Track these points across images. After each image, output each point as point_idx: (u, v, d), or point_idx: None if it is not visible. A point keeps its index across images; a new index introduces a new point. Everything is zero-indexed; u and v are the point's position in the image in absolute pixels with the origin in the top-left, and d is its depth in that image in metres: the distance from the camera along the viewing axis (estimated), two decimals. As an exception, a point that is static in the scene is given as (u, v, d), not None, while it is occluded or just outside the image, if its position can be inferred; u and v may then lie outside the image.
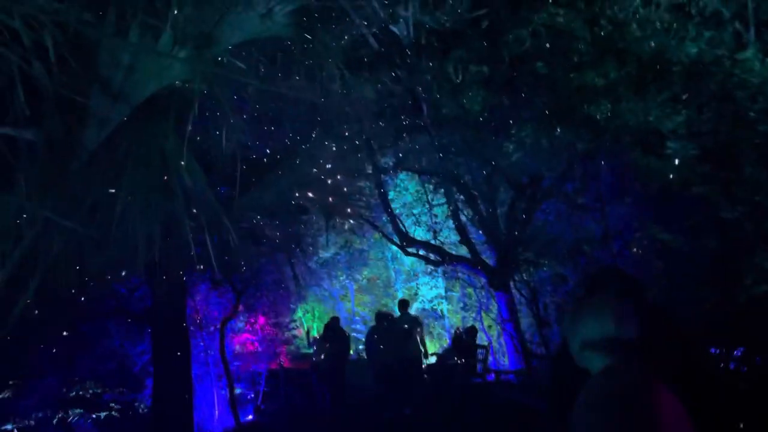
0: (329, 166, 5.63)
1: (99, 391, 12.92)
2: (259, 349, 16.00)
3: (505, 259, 12.69)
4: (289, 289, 18.07)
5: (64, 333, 9.74)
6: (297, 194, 5.54)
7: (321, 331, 13.00)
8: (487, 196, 11.95)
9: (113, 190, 3.64)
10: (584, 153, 10.71)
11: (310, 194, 5.68)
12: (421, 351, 12.47)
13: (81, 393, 12.54)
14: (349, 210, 6.65)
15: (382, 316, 12.29)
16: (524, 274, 12.82)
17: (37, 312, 7.74)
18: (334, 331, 13.39)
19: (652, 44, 9.94)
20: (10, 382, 10.93)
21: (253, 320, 16.09)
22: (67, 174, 3.34)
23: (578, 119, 10.27)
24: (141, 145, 3.66)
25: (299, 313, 20.17)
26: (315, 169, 5.43)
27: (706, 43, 10.22)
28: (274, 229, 6.47)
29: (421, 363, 12.75)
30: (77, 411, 12.44)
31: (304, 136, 6.17)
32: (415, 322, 12.81)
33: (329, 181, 5.72)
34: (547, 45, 10.36)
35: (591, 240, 12.38)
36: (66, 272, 3.96)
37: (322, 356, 12.21)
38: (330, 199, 5.79)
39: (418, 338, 12.39)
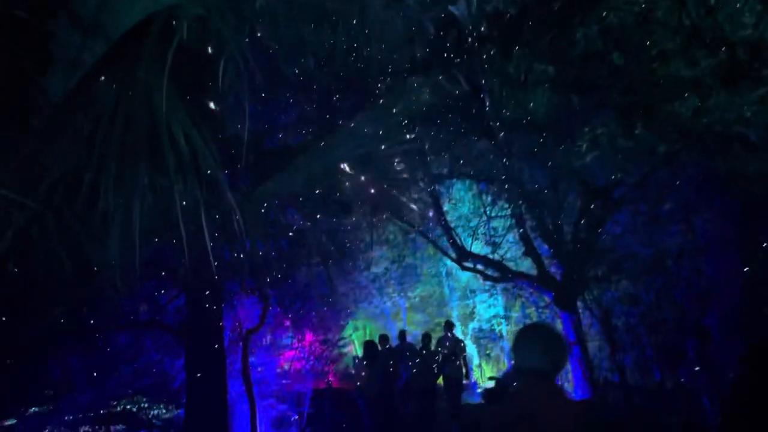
0: (374, 148, 4.62)
1: (139, 406, 12.38)
2: (306, 367, 15.22)
3: (573, 275, 11.47)
4: (338, 304, 17.31)
5: (97, 343, 9.20)
6: (334, 179, 4.56)
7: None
8: (552, 205, 10.79)
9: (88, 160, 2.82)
10: (667, 155, 9.48)
11: (350, 182, 4.69)
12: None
13: (120, 408, 12.03)
14: (397, 208, 5.55)
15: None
16: (595, 292, 11.55)
17: (62, 320, 7.13)
18: (385, 349, 12.54)
19: (749, 31, 8.71)
20: (47, 393, 10.47)
21: (300, 336, 15.35)
22: (25, 134, 2.58)
23: (660, 117, 9.10)
24: (122, 97, 2.85)
25: (349, 331, 19.28)
26: (357, 150, 4.45)
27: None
28: (309, 223, 5.56)
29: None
30: (119, 427, 11.93)
31: (343, 110, 5.28)
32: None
33: (373, 172, 4.70)
34: (625, 35, 9.26)
35: (673, 254, 11.06)
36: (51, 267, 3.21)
37: (366, 380, 11.08)
38: (373, 190, 4.77)
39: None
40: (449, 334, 13.19)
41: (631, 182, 9.95)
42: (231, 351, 12.20)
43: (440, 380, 13.22)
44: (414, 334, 22.49)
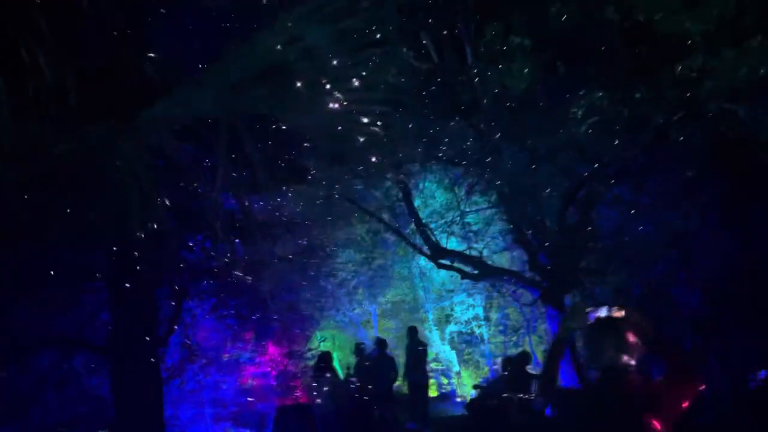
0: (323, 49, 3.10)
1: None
2: (270, 383, 13.81)
3: (561, 268, 10.31)
4: (304, 313, 16.03)
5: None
6: (266, 89, 3.12)
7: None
8: (530, 190, 9.60)
9: None
10: (665, 126, 8.43)
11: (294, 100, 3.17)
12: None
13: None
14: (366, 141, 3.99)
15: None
16: (586, 285, 10.42)
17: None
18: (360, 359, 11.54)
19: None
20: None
21: (261, 350, 13.95)
22: None
23: (662, 82, 8.03)
24: None
25: (315, 342, 17.81)
26: (298, 44, 3.01)
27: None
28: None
29: None
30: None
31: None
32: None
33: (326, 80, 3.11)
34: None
35: (668, 242, 10.04)
36: None
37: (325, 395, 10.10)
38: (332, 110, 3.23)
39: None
40: (412, 339, 13.15)
41: (627, 156, 8.85)
42: (180, 370, 10.77)
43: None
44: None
